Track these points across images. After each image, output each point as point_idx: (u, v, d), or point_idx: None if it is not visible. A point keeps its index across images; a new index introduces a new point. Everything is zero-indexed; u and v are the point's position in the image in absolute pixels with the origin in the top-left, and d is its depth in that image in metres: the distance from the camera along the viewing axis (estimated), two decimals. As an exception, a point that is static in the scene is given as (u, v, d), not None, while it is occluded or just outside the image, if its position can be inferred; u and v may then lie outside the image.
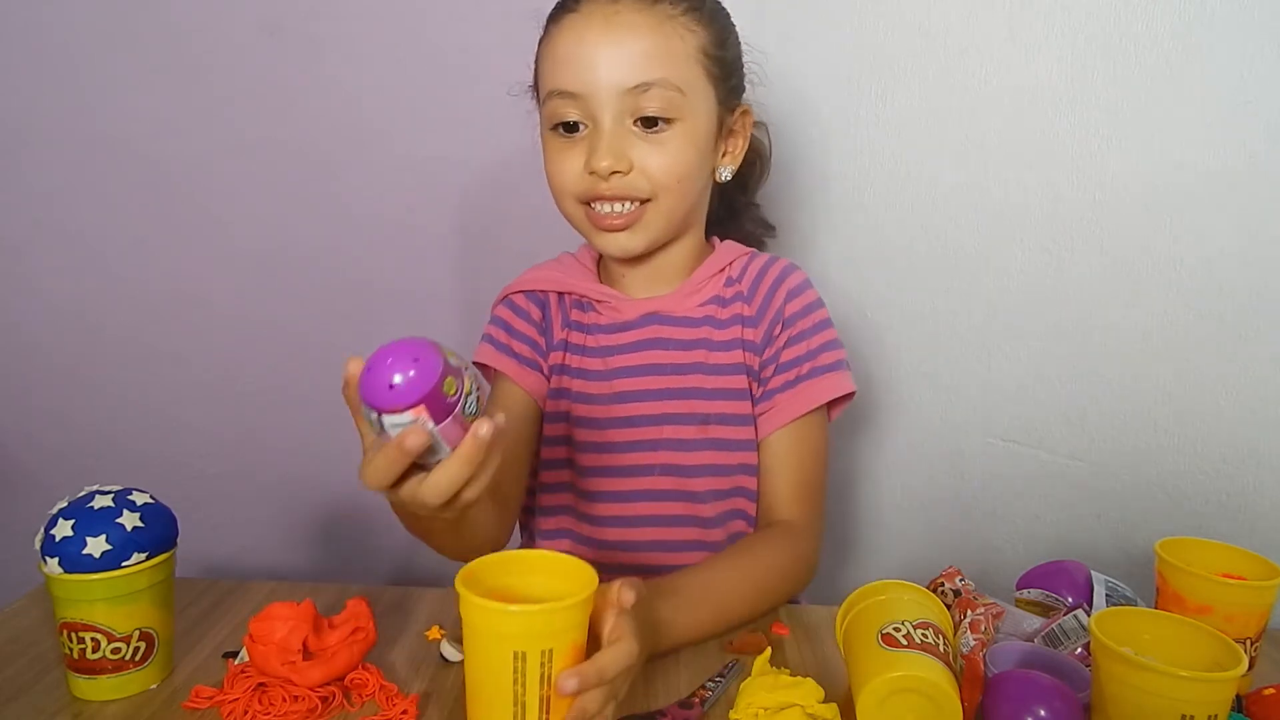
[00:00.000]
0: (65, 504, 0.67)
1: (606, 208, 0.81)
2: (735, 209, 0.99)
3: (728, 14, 0.85)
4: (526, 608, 0.55)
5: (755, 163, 0.97)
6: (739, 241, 0.94)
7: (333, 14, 1.14)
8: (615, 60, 0.77)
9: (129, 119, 1.18)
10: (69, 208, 1.22)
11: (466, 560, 0.72)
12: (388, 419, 0.52)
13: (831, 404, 0.89)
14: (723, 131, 0.85)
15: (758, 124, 0.92)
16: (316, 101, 1.17)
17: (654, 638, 0.68)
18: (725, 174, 0.88)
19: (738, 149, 0.88)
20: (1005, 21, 1.05)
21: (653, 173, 0.80)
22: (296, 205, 1.20)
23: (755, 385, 0.89)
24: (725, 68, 0.83)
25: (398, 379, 0.52)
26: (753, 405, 0.89)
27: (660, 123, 0.79)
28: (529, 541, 0.96)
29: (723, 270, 0.91)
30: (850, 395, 0.88)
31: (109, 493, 0.68)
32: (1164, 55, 1.02)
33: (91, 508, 0.66)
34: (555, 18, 0.81)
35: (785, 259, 0.93)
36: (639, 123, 0.79)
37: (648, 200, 0.81)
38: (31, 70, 1.17)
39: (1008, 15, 1.05)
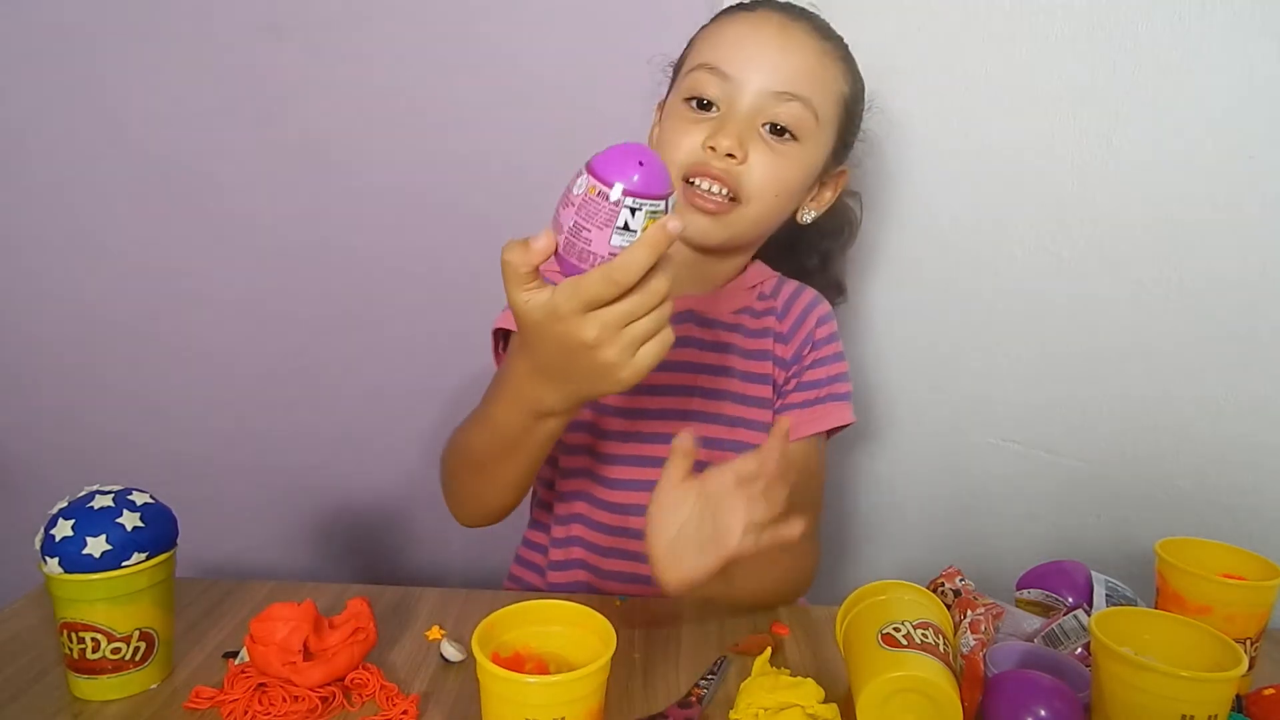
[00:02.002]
0: (65, 504, 0.67)
1: (706, 185, 0.81)
2: (808, 270, 1.01)
3: (864, 86, 0.90)
4: (543, 679, 0.55)
5: (844, 229, 1.01)
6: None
7: (335, 13, 1.13)
8: (776, 63, 0.81)
9: (130, 115, 1.18)
10: (72, 206, 1.21)
11: (495, 509, 0.80)
12: (653, 205, 0.55)
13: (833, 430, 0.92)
14: (821, 178, 0.89)
15: (851, 193, 0.97)
16: (319, 99, 1.16)
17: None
18: (807, 217, 0.91)
19: (824, 201, 0.91)
20: (1005, 21, 1.05)
21: (759, 175, 0.81)
22: (300, 205, 1.20)
23: (775, 398, 0.92)
24: (850, 125, 0.89)
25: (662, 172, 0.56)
26: (772, 415, 0.92)
27: (786, 135, 0.82)
28: (542, 522, 0.96)
29: (755, 286, 0.93)
30: (846, 425, 0.91)
31: (109, 493, 0.68)
32: (1164, 55, 1.02)
33: (91, 508, 0.66)
34: (730, 14, 0.86)
35: (812, 289, 0.96)
36: (767, 127, 0.81)
37: (739, 201, 0.82)
38: (43, 68, 1.17)
39: (1008, 15, 1.05)
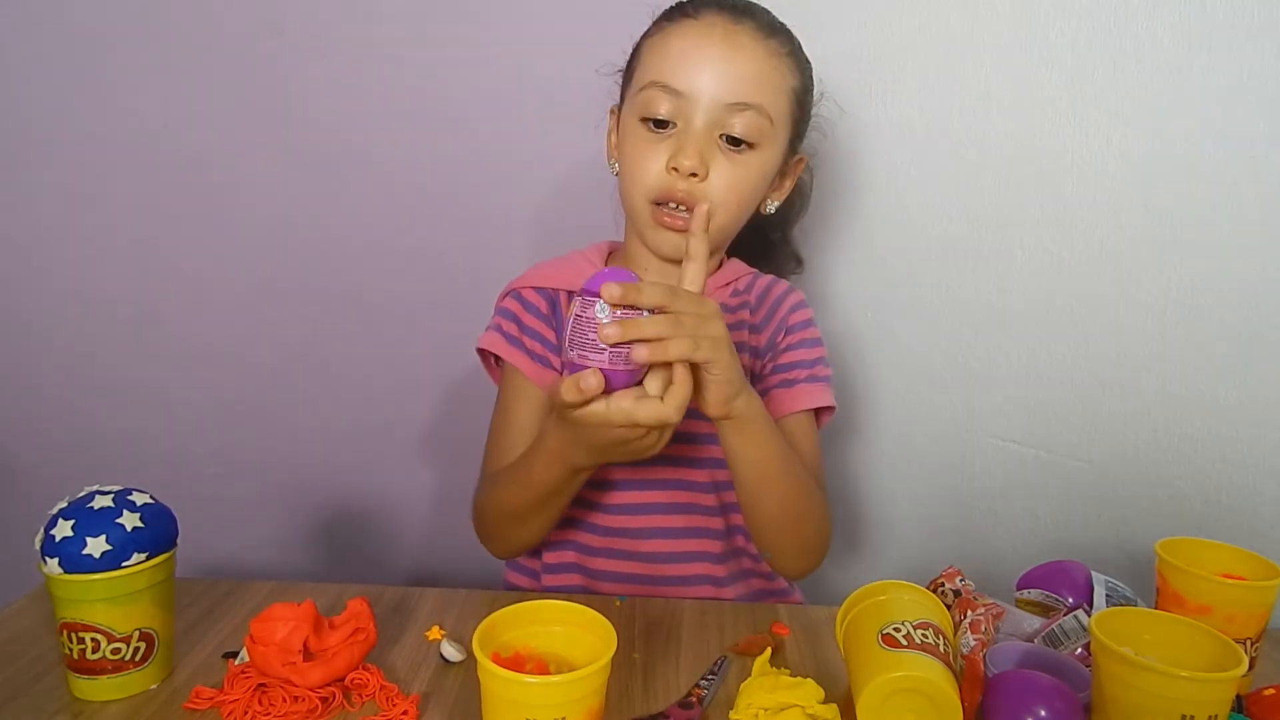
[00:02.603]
0: (65, 504, 0.67)
1: (673, 205, 0.84)
2: (772, 243, 1.04)
3: (812, 70, 0.90)
4: (544, 679, 0.55)
5: (795, 200, 1.02)
6: (770, 274, 0.99)
7: (337, 12, 1.13)
8: (725, 73, 0.81)
9: (134, 114, 1.18)
10: (74, 204, 1.21)
11: (531, 544, 0.90)
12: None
13: (819, 418, 0.93)
14: (781, 170, 0.90)
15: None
16: (322, 98, 1.16)
17: (741, 380, 0.74)
18: (771, 207, 0.92)
19: (784, 189, 0.93)
20: (1005, 21, 1.05)
21: (721, 187, 0.83)
22: (301, 203, 1.20)
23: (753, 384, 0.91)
24: (803, 116, 0.89)
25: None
26: None
27: (743, 144, 0.82)
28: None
29: (730, 283, 0.95)
30: (831, 411, 0.93)
31: (109, 493, 0.68)
32: (1164, 55, 1.02)
33: (91, 508, 0.66)
34: (673, 19, 0.85)
35: (786, 281, 0.98)
36: (724, 138, 0.82)
37: None
38: (48, 68, 1.17)
39: (1008, 15, 1.05)
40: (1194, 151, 1.03)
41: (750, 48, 0.82)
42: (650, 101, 0.83)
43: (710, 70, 0.81)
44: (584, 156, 1.13)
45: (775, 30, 0.84)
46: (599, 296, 0.64)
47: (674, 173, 0.82)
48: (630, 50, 0.90)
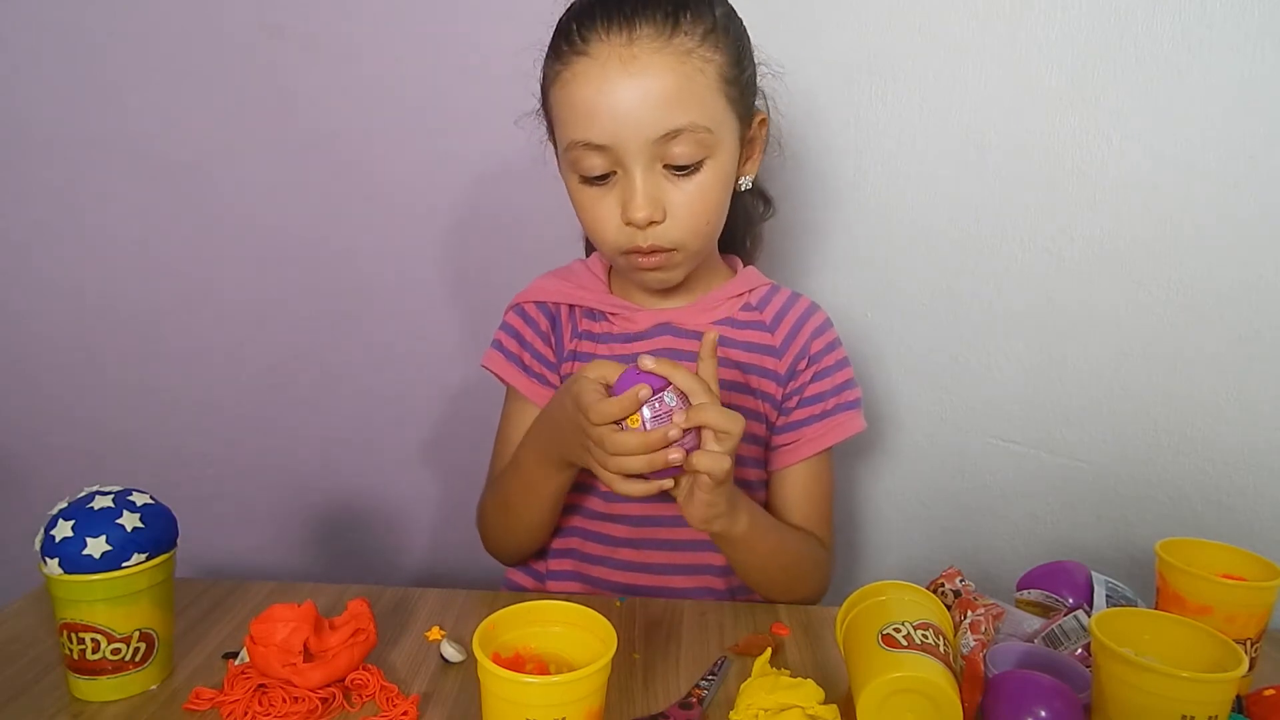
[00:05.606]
0: (65, 505, 0.67)
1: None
2: (737, 190, 0.96)
3: (740, 22, 0.82)
4: (544, 679, 0.54)
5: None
6: (739, 217, 0.94)
7: (336, 12, 1.13)
8: (640, 108, 0.74)
9: (133, 114, 1.18)
10: (74, 204, 1.21)
11: (525, 544, 0.92)
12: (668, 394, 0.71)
13: None
14: (742, 145, 0.83)
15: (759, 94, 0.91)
16: (322, 100, 1.16)
17: (737, 496, 0.77)
18: (746, 184, 0.86)
19: (755, 155, 0.86)
20: (1005, 21, 1.05)
21: (683, 217, 0.79)
22: (302, 205, 1.20)
23: (774, 412, 0.91)
24: (744, 86, 0.80)
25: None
26: (768, 431, 0.91)
27: (690, 166, 0.77)
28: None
29: (742, 295, 0.91)
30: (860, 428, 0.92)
31: (109, 493, 0.68)
32: (1164, 56, 1.02)
33: (91, 508, 0.66)
34: (565, 59, 0.77)
35: (807, 297, 0.94)
36: (668, 168, 0.77)
37: (677, 249, 0.81)
38: (47, 68, 1.17)
39: (1008, 15, 1.05)
40: (1194, 152, 1.03)
41: (656, 65, 0.73)
42: (579, 161, 0.78)
43: (624, 112, 0.74)
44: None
45: (676, 18, 0.74)
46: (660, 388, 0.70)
47: (632, 227, 0.78)
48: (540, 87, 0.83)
